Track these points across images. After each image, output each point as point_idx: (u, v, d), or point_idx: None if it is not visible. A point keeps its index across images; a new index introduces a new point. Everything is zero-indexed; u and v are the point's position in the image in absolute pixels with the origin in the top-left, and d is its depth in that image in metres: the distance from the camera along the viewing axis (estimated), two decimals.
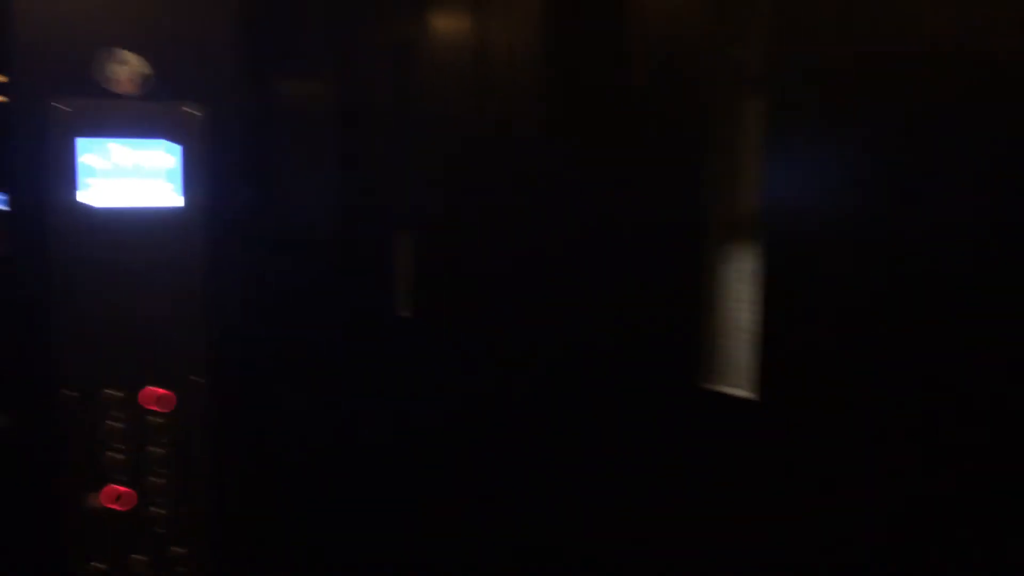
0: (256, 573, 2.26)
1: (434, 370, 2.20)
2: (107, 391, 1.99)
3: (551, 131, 1.79)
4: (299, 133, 2.56)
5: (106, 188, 1.94)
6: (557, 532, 1.80)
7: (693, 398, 1.48)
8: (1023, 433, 1.00)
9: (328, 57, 2.53)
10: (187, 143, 1.99)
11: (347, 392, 2.50)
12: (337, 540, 2.52)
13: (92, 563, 2.03)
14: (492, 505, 2.00)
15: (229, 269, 2.06)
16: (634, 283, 1.60)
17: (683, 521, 1.50)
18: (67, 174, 1.91)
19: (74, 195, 1.93)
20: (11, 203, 2.01)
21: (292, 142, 2.56)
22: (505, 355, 1.94)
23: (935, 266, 1.10)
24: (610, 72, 1.67)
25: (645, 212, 1.57)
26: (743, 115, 1.47)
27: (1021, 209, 1.00)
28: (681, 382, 1.50)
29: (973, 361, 1.06)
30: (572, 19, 1.77)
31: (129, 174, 1.97)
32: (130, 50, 1.93)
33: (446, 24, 2.13)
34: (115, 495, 2.02)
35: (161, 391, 2.04)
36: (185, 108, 1.99)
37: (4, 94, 1.95)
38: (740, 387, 1.43)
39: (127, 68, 1.93)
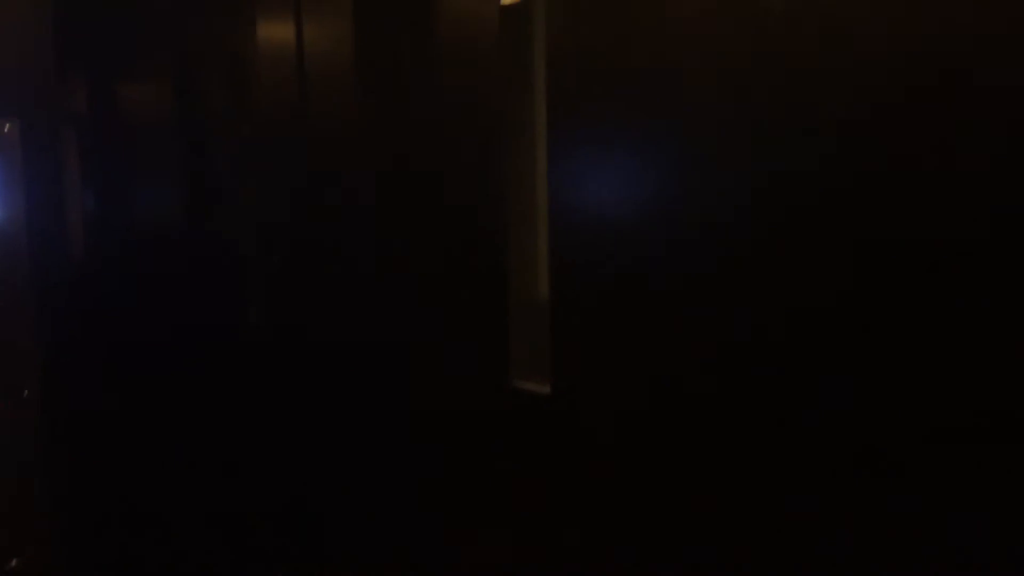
0: None
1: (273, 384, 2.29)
2: None
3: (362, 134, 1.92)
4: (131, 140, 2.59)
5: None
6: None
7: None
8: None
9: (158, 63, 2.56)
10: None
11: (182, 405, 2.53)
12: (168, 551, 2.55)
13: None
14: None
15: (55, 280, 2.09)
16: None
17: None
18: None
19: None
20: None
21: (124, 149, 2.58)
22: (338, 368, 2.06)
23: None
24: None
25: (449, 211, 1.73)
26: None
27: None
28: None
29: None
30: (378, 26, 1.90)
31: None
32: None
33: (272, 32, 2.23)
34: None
35: None
36: None
37: None
38: None
39: None
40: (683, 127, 1.29)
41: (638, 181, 1.38)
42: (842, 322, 1.12)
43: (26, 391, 2.05)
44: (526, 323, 1.70)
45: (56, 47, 2.03)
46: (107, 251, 2.47)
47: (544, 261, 1.64)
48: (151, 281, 2.53)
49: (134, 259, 2.54)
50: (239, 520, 2.37)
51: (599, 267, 1.45)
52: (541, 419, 1.60)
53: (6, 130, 1.99)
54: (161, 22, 2.45)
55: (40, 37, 2.01)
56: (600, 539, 1.49)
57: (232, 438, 2.39)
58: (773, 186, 1.19)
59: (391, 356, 1.94)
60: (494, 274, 1.68)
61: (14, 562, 2.02)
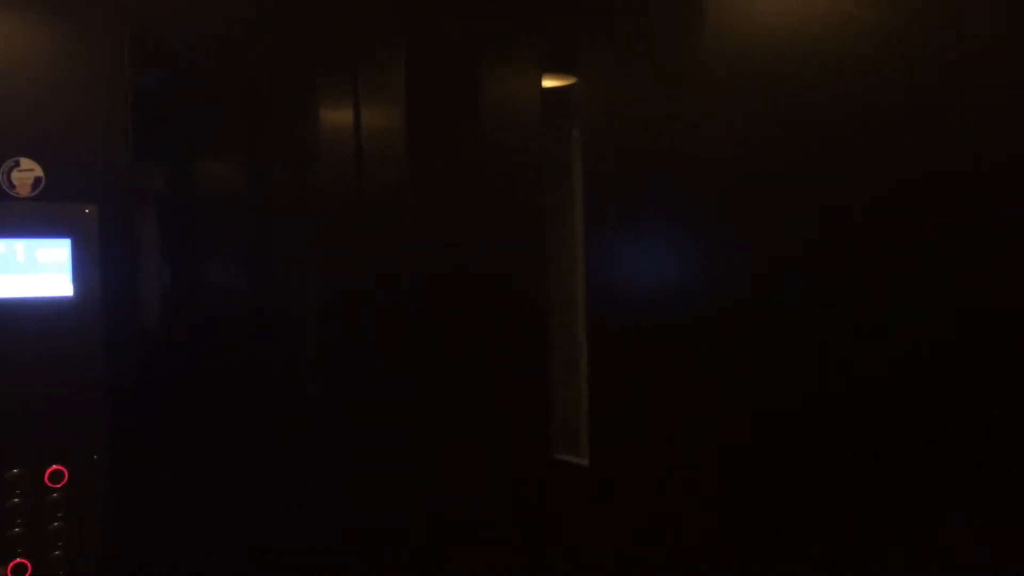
0: None
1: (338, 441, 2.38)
2: (12, 471, 2.13)
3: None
4: (201, 220, 2.74)
5: (8, 282, 2.11)
6: None
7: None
8: None
9: (228, 147, 2.73)
10: (76, 237, 2.17)
11: (249, 473, 2.63)
12: None
13: None
14: None
15: (127, 352, 2.22)
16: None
17: None
18: None
19: None
20: None
21: (194, 228, 2.73)
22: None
23: None
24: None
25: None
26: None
27: None
28: None
29: None
30: (429, 110, 2.02)
31: (28, 269, 2.13)
32: (27, 156, 2.11)
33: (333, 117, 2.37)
34: (19, 569, 2.14)
35: (62, 468, 2.17)
36: (76, 206, 2.18)
37: None
38: None
39: (27, 174, 2.11)
40: (711, 207, 1.35)
41: (671, 260, 1.43)
42: (874, 391, 1.15)
43: (95, 456, 2.17)
44: (566, 398, 1.75)
45: (133, 134, 2.21)
46: (177, 325, 2.61)
47: (583, 338, 1.69)
48: (218, 353, 2.66)
49: (202, 332, 2.67)
50: None
51: (635, 343, 1.50)
52: (580, 490, 1.63)
53: (87, 212, 2.15)
54: (230, 109, 2.62)
55: (119, 125, 2.19)
56: None
57: (300, 507, 2.47)
58: (794, 262, 1.24)
59: (433, 425, 2.00)
60: (534, 349, 1.75)
61: None
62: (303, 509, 2.46)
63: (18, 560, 2.12)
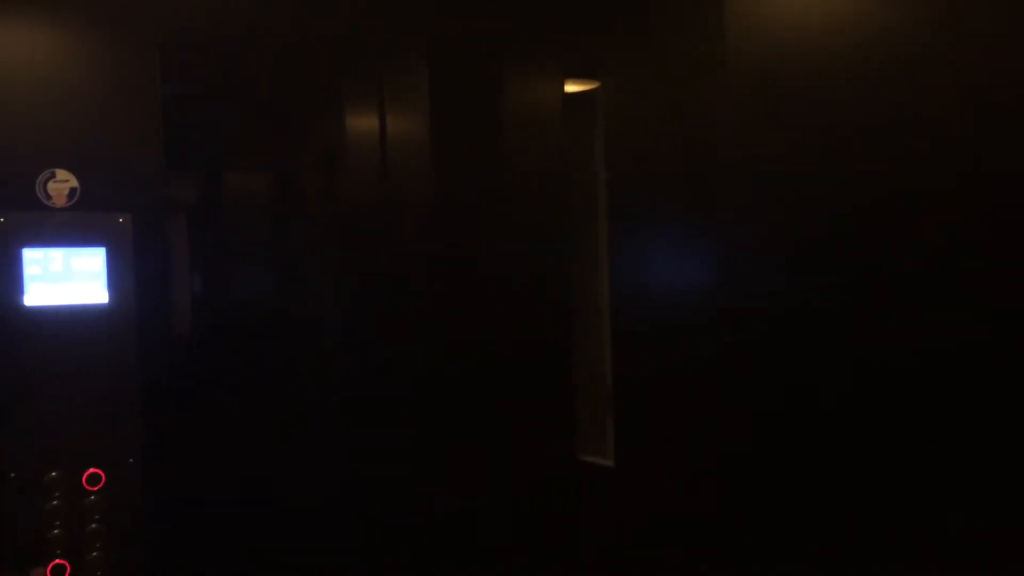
0: None
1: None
2: (51, 474, 2.18)
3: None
4: (230, 227, 2.79)
5: (46, 291, 2.16)
6: None
7: None
8: None
9: (257, 156, 2.78)
10: (111, 246, 2.22)
11: (280, 475, 2.67)
12: None
13: None
14: None
15: (160, 357, 2.27)
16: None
17: None
18: (14, 281, 2.14)
19: (21, 299, 2.15)
20: None
21: (224, 235, 2.78)
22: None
23: None
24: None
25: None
26: None
27: None
28: None
29: None
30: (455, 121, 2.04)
31: (65, 278, 2.19)
32: (63, 168, 2.17)
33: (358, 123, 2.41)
34: (58, 569, 2.19)
35: (99, 472, 2.22)
36: (110, 215, 2.23)
37: None
38: None
39: (62, 185, 2.17)
40: (729, 216, 1.36)
41: (693, 265, 1.45)
42: (883, 396, 1.16)
43: (131, 459, 2.22)
44: (591, 401, 1.77)
45: (165, 145, 2.26)
46: (208, 329, 2.66)
47: (608, 343, 1.71)
48: (248, 357, 2.70)
49: (233, 337, 2.72)
50: None
51: (659, 347, 1.51)
52: (605, 490, 1.65)
53: (120, 222, 2.21)
54: (259, 119, 2.67)
55: (150, 136, 2.24)
56: None
57: (334, 507, 2.50)
58: (818, 260, 1.25)
59: (461, 427, 2.02)
60: (559, 353, 1.77)
61: None
62: (337, 509, 2.50)
63: (57, 561, 2.18)
